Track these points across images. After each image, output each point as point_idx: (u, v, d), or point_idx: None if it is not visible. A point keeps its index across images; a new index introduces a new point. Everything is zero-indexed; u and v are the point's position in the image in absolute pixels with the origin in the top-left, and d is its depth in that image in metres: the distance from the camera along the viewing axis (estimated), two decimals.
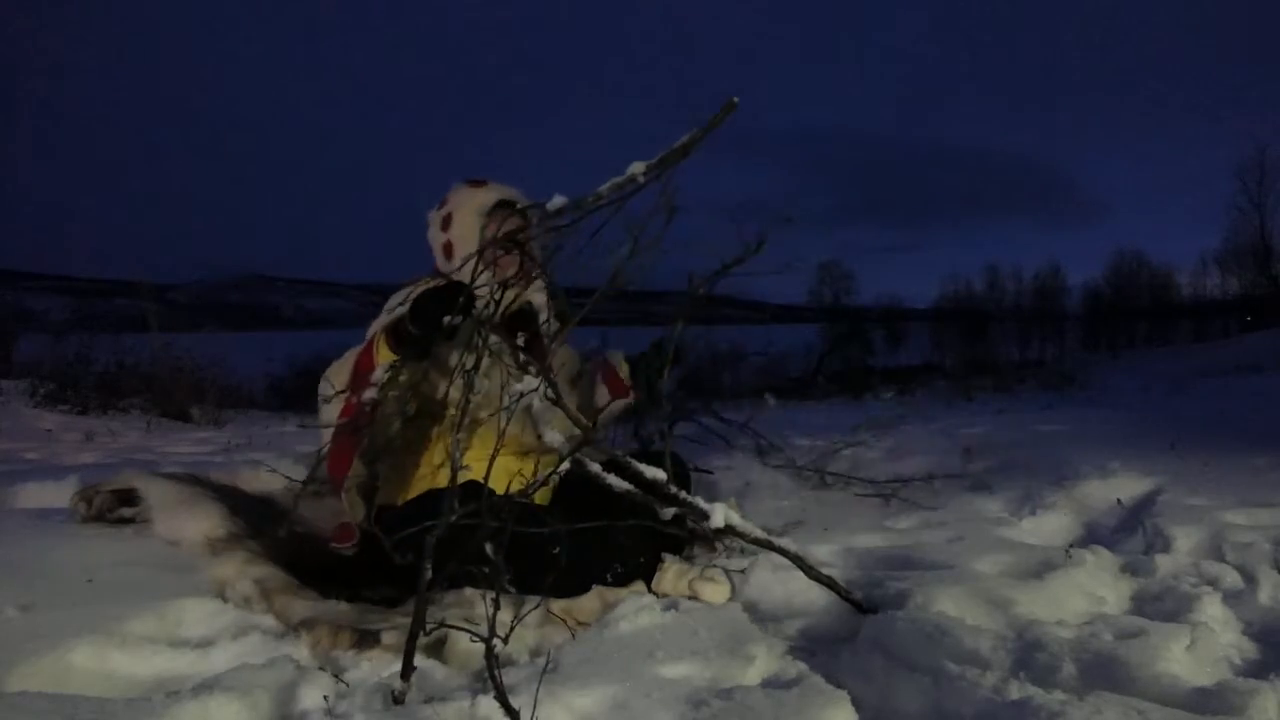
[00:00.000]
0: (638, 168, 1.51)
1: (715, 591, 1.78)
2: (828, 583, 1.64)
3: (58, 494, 2.54)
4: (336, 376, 1.82)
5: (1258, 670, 1.41)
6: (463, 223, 2.02)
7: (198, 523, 1.91)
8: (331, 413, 1.80)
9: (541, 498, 1.97)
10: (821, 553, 2.03)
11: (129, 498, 2.07)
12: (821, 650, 1.57)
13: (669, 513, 1.58)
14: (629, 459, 1.62)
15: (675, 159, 1.58)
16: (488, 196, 2.04)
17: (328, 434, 1.80)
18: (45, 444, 5.05)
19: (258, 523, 1.97)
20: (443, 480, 1.79)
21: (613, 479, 1.57)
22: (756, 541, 1.64)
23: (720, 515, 1.57)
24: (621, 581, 1.82)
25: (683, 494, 1.58)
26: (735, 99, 1.58)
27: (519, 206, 2.02)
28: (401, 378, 1.75)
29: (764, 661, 1.47)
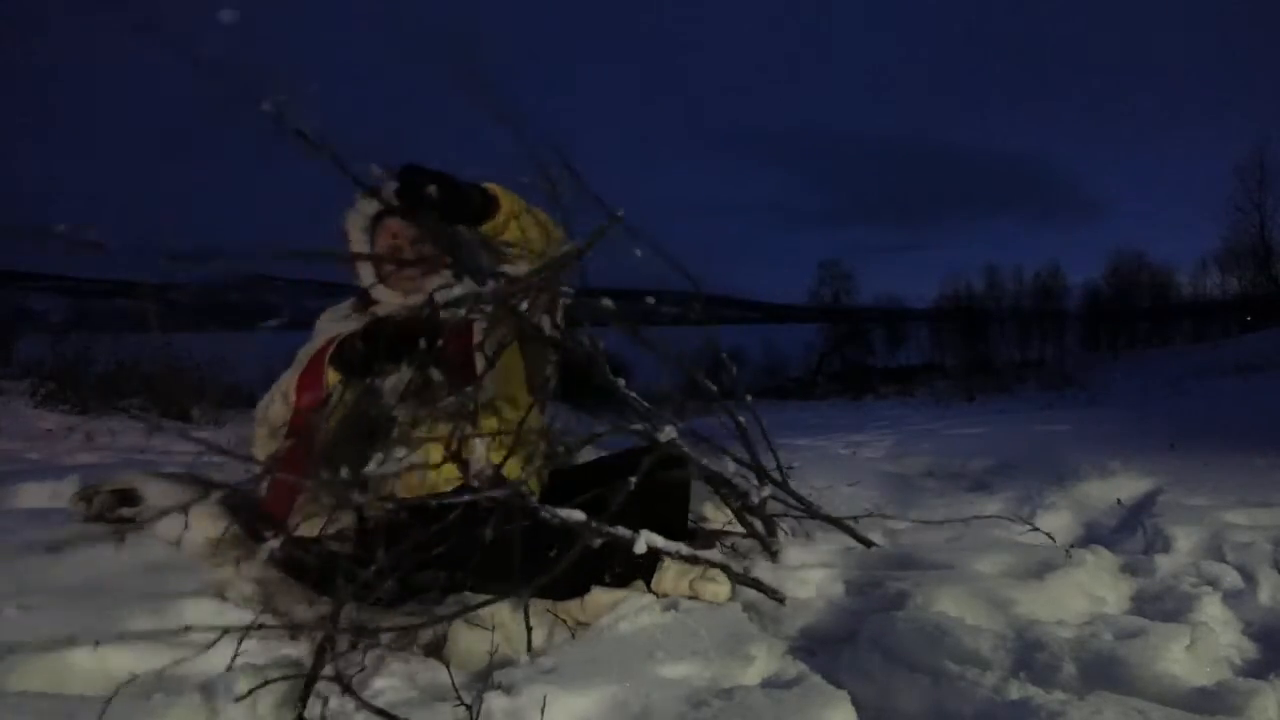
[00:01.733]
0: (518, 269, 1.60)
1: (715, 591, 1.78)
2: (754, 584, 1.75)
3: (58, 494, 2.54)
4: (269, 412, 1.88)
5: (1258, 670, 1.41)
6: (354, 241, 1.99)
7: (198, 523, 1.90)
8: (267, 448, 1.83)
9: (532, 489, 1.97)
10: (821, 553, 2.02)
11: (129, 498, 2.06)
12: (821, 650, 1.57)
13: (597, 541, 1.66)
14: (547, 509, 1.63)
15: (559, 266, 1.65)
16: (369, 208, 1.97)
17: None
18: (45, 444, 5.05)
19: (258, 523, 1.97)
20: (435, 479, 1.81)
21: (549, 512, 1.61)
22: (682, 558, 1.73)
23: (642, 543, 1.65)
24: (621, 581, 1.82)
25: (604, 528, 1.64)
26: (620, 213, 1.66)
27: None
28: (346, 396, 1.75)
29: (764, 661, 1.47)
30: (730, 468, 1.99)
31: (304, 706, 1.31)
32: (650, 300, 1.88)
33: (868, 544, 2.00)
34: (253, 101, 1.41)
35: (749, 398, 2.12)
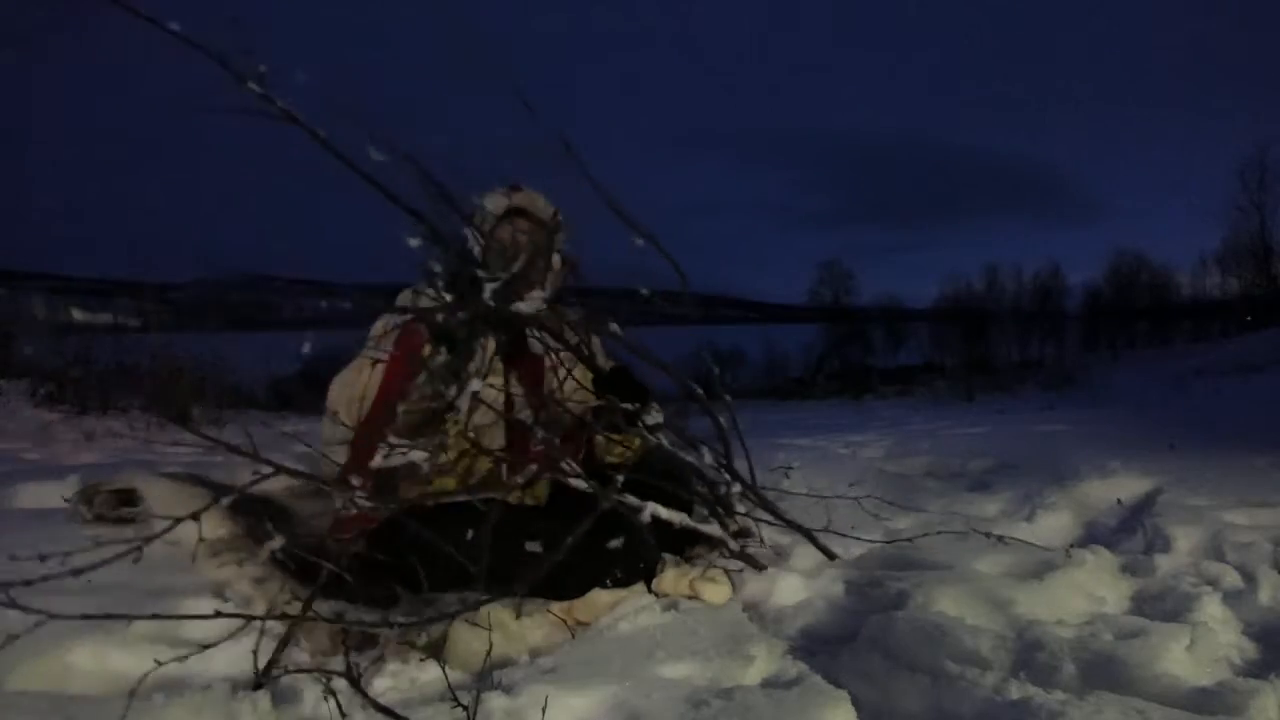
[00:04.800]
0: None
1: (715, 591, 1.78)
2: (812, 540, 1.85)
3: (58, 494, 2.54)
4: (343, 392, 1.92)
5: (1258, 670, 1.41)
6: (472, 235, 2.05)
7: (198, 523, 1.90)
8: (341, 433, 1.87)
9: (537, 496, 1.98)
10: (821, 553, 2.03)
11: (129, 498, 2.06)
12: (821, 650, 1.57)
13: (616, 542, 1.71)
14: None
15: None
16: (499, 203, 2.07)
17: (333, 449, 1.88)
18: (45, 444, 5.04)
19: (258, 523, 1.97)
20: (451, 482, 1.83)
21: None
22: (685, 530, 1.84)
23: (648, 513, 1.74)
24: (621, 583, 1.82)
25: (613, 498, 1.71)
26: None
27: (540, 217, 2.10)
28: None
29: (764, 661, 1.47)
30: (705, 457, 2.01)
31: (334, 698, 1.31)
32: (644, 292, 1.91)
33: (830, 555, 2.00)
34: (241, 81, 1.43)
35: (728, 397, 2.13)
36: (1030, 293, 37.08)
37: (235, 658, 1.46)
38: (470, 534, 1.64)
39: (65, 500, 2.16)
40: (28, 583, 1.23)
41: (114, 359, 7.50)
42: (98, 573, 1.69)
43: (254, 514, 2.03)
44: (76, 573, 1.29)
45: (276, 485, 2.33)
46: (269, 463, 1.56)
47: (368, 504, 1.61)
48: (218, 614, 1.40)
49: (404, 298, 2.10)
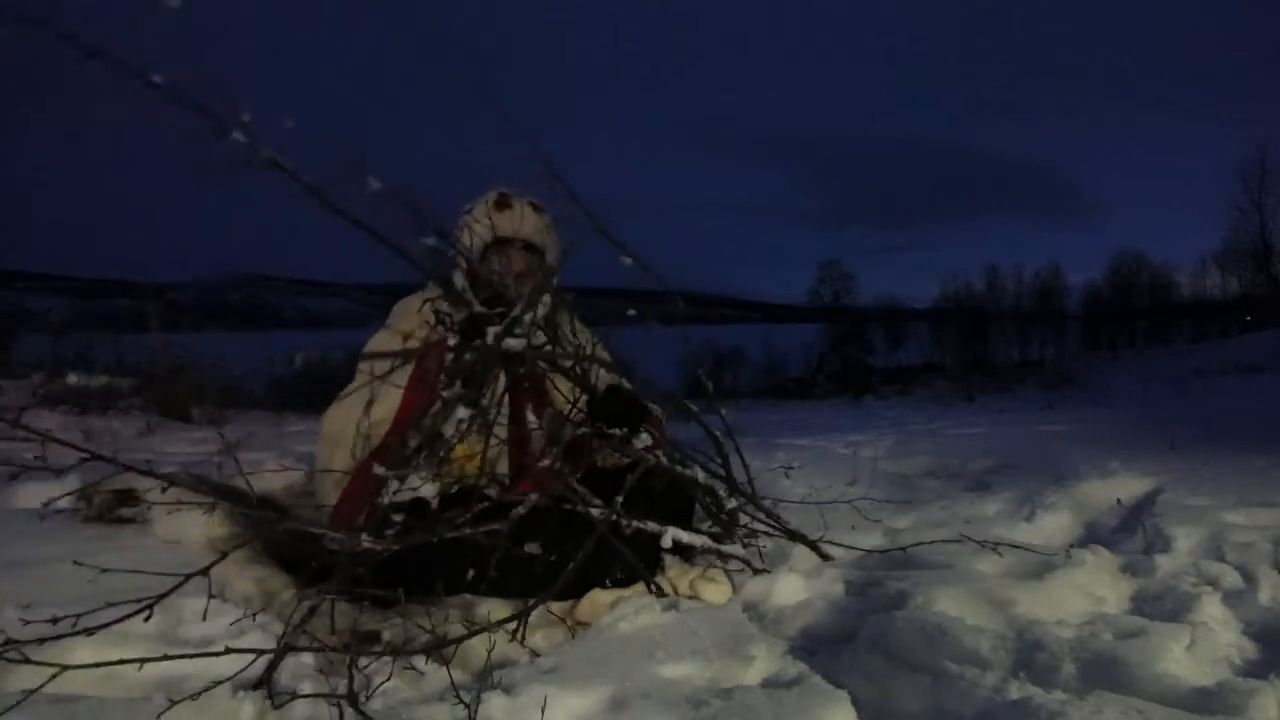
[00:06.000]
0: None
1: (715, 591, 1.78)
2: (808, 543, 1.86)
3: (58, 494, 2.53)
4: (340, 418, 1.89)
5: (1258, 670, 1.41)
6: (463, 249, 2.02)
7: (198, 523, 1.91)
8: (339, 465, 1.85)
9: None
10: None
11: (129, 498, 2.06)
12: (821, 650, 1.57)
13: (628, 531, 1.74)
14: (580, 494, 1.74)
15: (542, 285, 1.81)
16: (486, 231, 2.05)
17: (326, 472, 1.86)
18: (45, 444, 5.04)
19: (257, 523, 1.97)
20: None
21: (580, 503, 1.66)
22: (706, 551, 1.87)
23: (669, 538, 1.78)
24: (622, 583, 1.82)
25: (633, 523, 1.75)
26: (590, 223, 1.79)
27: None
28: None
29: (764, 661, 1.46)
30: (700, 476, 1.99)
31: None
32: (626, 260, 1.91)
33: (825, 557, 2.01)
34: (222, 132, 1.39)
35: (723, 412, 2.11)
36: (1030, 293, 37.11)
37: (236, 657, 1.45)
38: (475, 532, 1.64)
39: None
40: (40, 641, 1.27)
41: (114, 359, 7.49)
42: (97, 573, 1.69)
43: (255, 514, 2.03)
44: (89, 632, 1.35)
45: (277, 485, 2.34)
46: None
47: (372, 544, 1.55)
48: (227, 650, 1.37)
49: (409, 304, 2.07)
